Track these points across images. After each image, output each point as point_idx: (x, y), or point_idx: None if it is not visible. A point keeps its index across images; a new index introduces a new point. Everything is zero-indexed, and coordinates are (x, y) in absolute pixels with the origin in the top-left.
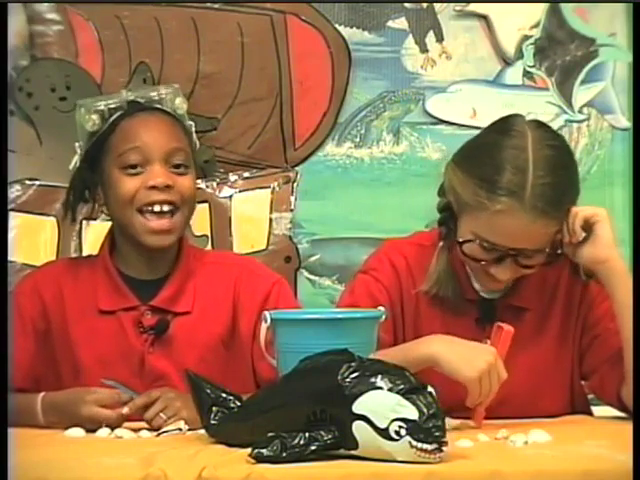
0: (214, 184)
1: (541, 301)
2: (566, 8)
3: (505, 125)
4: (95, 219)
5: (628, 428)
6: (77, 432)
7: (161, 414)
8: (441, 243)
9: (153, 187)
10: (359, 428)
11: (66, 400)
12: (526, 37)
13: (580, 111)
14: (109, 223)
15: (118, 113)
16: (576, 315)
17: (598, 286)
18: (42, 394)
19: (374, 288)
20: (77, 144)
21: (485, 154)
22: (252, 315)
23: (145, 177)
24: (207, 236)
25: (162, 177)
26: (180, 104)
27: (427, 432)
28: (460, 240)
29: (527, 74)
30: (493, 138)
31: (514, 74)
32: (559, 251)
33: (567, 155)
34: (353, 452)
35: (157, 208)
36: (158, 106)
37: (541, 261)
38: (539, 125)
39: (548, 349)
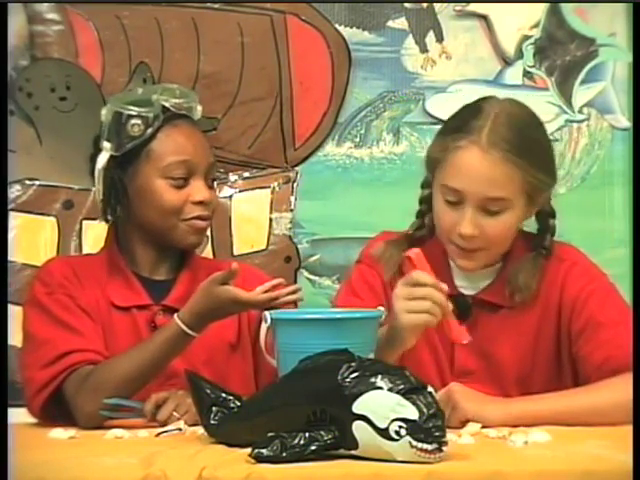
0: (214, 184)
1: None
2: (566, 8)
3: (482, 97)
4: (95, 219)
5: (628, 428)
6: (61, 433)
7: (174, 413)
8: (410, 231)
9: (200, 202)
10: (359, 428)
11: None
12: (526, 37)
13: (580, 111)
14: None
15: (160, 121)
16: (555, 324)
17: (577, 297)
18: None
19: (368, 274)
20: (107, 144)
21: (457, 113)
22: (256, 316)
23: (190, 191)
24: (207, 236)
25: (207, 193)
26: (199, 111)
27: (427, 432)
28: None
29: (527, 74)
30: (468, 104)
31: (514, 74)
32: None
33: (534, 119)
34: (353, 452)
35: (202, 223)
36: (186, 114)
37: (507, 217)
38: (514, 100)
39: (527, 347)
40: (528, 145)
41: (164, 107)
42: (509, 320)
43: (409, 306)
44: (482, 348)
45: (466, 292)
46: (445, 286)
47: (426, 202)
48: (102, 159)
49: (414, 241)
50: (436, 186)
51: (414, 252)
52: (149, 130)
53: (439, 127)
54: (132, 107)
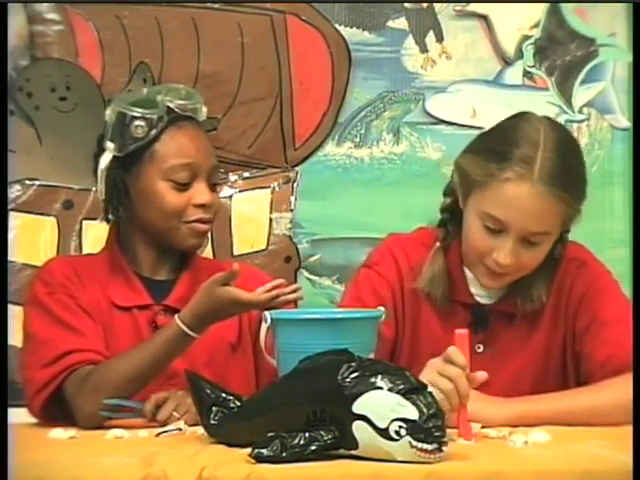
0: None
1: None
2: (566, 8)
3: (518, 114)
4: (95, 219)
5: (628, 428)
6: (61, 433)
7: (174, 413)
8: (438, 244)
9: (202, 205)
10: (359, 428)
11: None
12: (526, 37)
13: (580, 111)
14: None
15: (164, 122)
16: (563, 323)
17: (583, 295)
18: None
19: (377, 283)
20: (110, 144)
21: (497, 133)
22: (256, 316)
23: (192, 194)
24: (207, 236)
25: (209, 196)
26: (204, 113)
27: (427, 432)
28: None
29: (527, 74)
30: (506, 122)
31: (514, 74)
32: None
33: (574, 144)
34: (353, 452)
35: (203, 227)
36: (191, 115)
37: (545, 246)
38: (551, 120)
39: (540, 354)
40: (571, 178)
41: (169, 108)
42: (524, 329)
43: (434, 379)
44: (498, 358)
45: (482, 301)
46: (483, 374)
47: (448, 210)
48: (105, 159)
49: (446, 251)
50: (473, 207)
51: (460, 333)
52: (153, 132)
53: (472, 141)
54: (136, 108)
